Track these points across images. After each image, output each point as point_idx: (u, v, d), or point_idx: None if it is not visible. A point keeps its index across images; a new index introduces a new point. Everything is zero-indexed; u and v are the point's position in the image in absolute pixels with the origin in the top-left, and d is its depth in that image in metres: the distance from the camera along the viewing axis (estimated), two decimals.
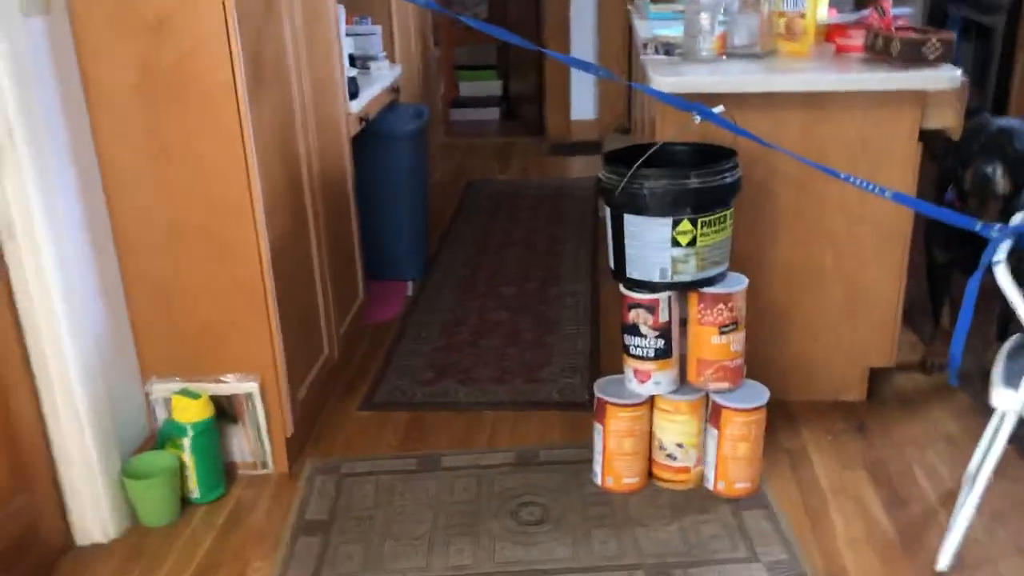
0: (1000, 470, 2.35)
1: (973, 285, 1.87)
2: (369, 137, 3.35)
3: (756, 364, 2.62)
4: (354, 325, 3.06)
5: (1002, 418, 1.92)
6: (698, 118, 2.09)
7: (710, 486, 2.30)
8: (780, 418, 2.62)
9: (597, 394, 2.29)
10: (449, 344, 3.16)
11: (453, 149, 5.84)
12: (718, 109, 2.11)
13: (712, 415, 2.26)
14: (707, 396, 2.27)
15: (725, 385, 2.24)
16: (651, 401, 2.28)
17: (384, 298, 3.50)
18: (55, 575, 2.08)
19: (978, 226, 1.92)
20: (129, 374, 2.33)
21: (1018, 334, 2.03)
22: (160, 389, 2.35)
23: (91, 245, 2.16)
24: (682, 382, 2.28)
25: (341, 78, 2.90)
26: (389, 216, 3.51)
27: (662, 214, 2.09)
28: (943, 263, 2.78)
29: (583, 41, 5.65)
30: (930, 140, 2.58)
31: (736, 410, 2.21)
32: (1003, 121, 2.60)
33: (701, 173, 2.08)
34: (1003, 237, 1.87)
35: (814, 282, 2.59)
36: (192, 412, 2.26)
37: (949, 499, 2.25)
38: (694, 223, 2.10)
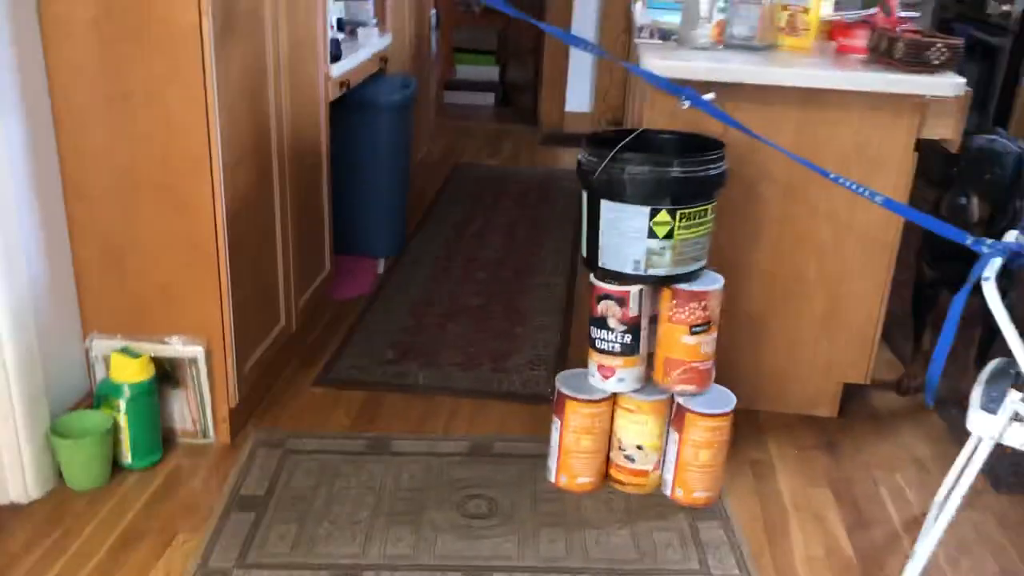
0: (969, 499, 2.27)
1: (959, 301, 1.77)
2: (351, 105, 3.23)
3: (728, 371, 2.52)
4: (317, 298, 2.95)
5: (977, 444, 1.82)
6: (686, 103, 1.98)
7: (668, 492, 2.20)
8: (748, 428, 2.52)
9: (558, 387, 2.19)
10: (415, 325, 3.05)
11: (443, 130, 5.71)
12: (709, 96, 2.00)
13: (675, 418, 2.16)
14: (672, 398, 2.17)
15: (692, 388, 2.14)
16: (613, 399, 2.18)
17: (354, 273, 3.39)
18: None
19: (969, 240, 1.82)
20: (69, 327, 2.21)
21: (1000, 358, 1.93)
22: (100, 346, 2.23)
23: (34, 182, 2.03)
24: (647, 382, 2.18)
25: (323, 39, 2.78)
26: (366, 189, 3.40)
27: (641, 202, 1.98)
28: (931, 281, 2.69)
29: (585, 25, 5.55)
30: (928, 162, 2.47)
31: (701, 415, 2.11)
32: (986, 141, 2.42)
33: (685, 162, 1.97)
34: (994, 253, 1.77)
35: (795, 292, 2.49)
36: (130, 372, 2.14)
37: (914, 525, 2.15)
38: (673, 214, 1.99)
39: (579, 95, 5.72)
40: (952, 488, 1.88)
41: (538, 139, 5.62)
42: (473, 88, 6.62)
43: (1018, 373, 1.73)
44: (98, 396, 2.19)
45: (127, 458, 2.19)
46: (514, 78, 6.75)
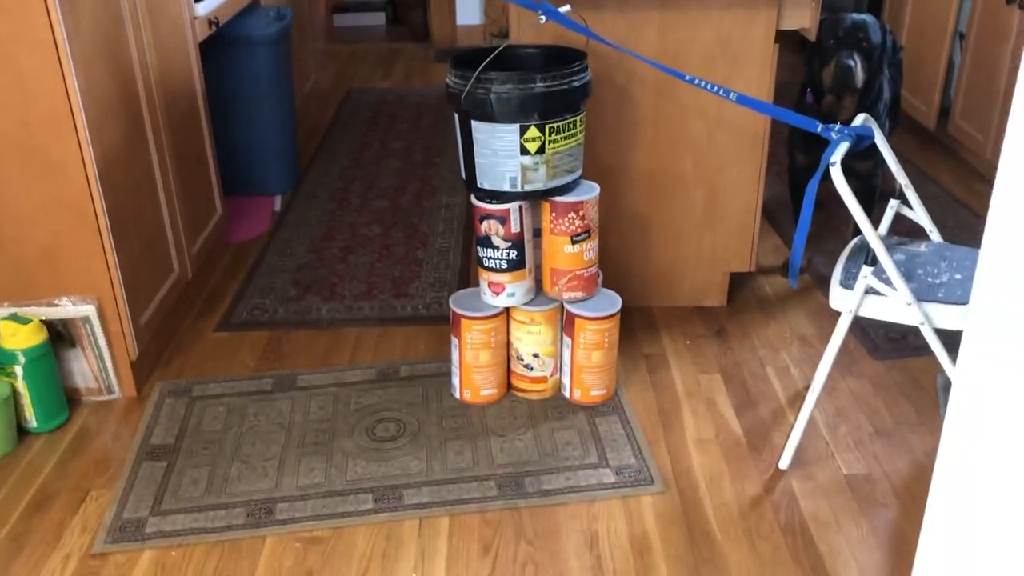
0: (848, 367, 2.43)
1: (812, 187, 1.87)
2: (224, 43, 3.16)
3: (619, 272, 2.62)
4: (213, 242, 2.94)
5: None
6: (543, 18, 2.01)
7: (567, 394, 2.31)
8: (641, 325, 2.63)
9: (452, 307, 2.25)
10: (316, 260, 3.07)
11: (335, 56, 5.61)
12: (564, 8, 2.02)
13: (566, 324, 2.25)
14: (562, 306, 2.25)
15: (579, 294, 2.22)
16: (507, 312, 2.25)
17: (250, 214, 3.37)
18: None
19: (819, 128, 1.91)
20: None
21: (858, 236, 2.05)
22: None
23: None
24: (537, 292, 2.26)
25: None
26: (251, 127, 3.35)
27: (509, 120, 2.02)
28: (803, 166, 2.80)
29: None
30: (801, 45, 2.58)
31: (589, 319, 2.20)
32: (856, 16, 2.62)
33: (547, 77, 2.00)
34: (842, 138, 1.87)
35: (675, 189, 2.58)
36: (22, 338, 2.13)
37: (798, 399, 2.30)
38: (542, 129, 2.04)
39: (469, 8, 5.64)
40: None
41: (431, 56, 5.56)
42: (362, 8, 6.48)
43: (869, 250, 1.85)
44: None
45: (32, 423, 2.20)
46: None
